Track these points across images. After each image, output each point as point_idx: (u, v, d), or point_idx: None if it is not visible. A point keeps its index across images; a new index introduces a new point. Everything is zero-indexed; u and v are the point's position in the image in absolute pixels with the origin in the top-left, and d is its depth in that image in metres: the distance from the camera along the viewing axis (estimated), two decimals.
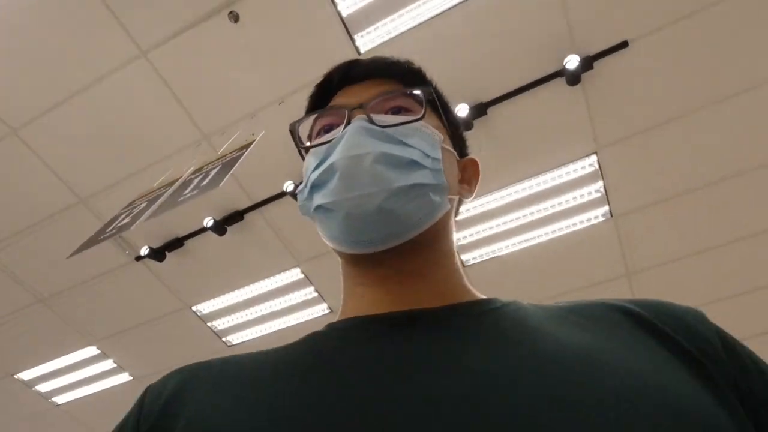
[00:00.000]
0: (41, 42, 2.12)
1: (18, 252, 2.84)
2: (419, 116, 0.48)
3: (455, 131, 0.54)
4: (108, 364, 3.42)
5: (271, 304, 2.96)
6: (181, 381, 0.42)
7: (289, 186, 2.38)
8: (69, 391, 3.60)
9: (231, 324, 3.08)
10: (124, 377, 3.50)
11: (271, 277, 2.83)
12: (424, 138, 0.47)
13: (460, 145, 0.55)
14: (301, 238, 2.67)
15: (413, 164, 0.45)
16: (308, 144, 0.50)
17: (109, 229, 1.70)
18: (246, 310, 3.00)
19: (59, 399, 3.67)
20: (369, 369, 0.37)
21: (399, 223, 0.43)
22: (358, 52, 2.10)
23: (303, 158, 0.51)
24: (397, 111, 0.49)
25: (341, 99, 0.52)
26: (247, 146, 1.75)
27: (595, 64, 1.98)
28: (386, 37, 2.07)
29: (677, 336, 0.37)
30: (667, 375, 0.34)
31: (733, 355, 0.37)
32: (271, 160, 2.32)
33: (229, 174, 1.52)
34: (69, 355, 3.35)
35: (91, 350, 3.34)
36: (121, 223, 1.67)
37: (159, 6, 2.00)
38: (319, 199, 0.45)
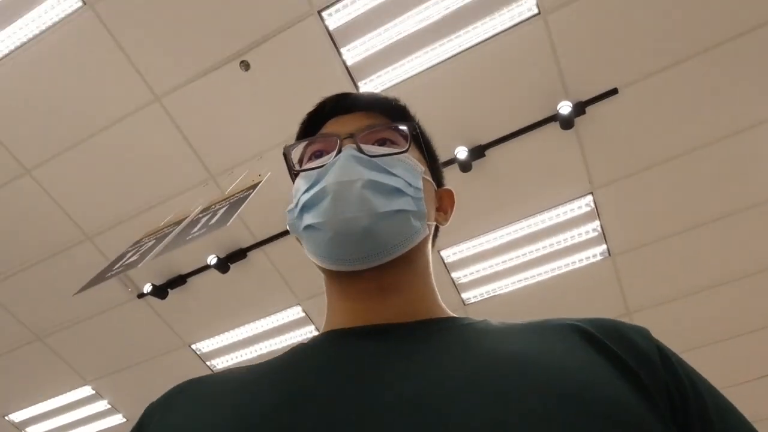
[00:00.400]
0: (60, 86, 2.23)
1: (18, 289, 2.84)
2: (404, 149, 0.52)
3: (434, 164, 0.59)
4: (102, 405, 3.35)
5: (272, 343, 2.94)
6: (171, 395, 0.46)
7: None
8: None
9: (230, 363, 3.04)
10: (117, 419, 3.42)
11: (272, 315, 2.83)
12: (408, 169, 0.51)
13: (438, 176, 0.59)
14: (302, 276, 2.69)
15: (397, 192, 0.49)
16: (300, 168, 0.55)
17: (117, 266, 1.73)
18: (246, 349, 2.98)
19: None
20: (331, 376, 0.40)
21: (381, 244, 0.47)
22: None
23: (293, 180, 0.55)
24: (383, 143, 0.53)
25: (332, 128, 0.56)
26: (253, 186, 1.81)
27: (588, 109, 2.08)
28: (389, 84, 2.18)
29: (617, 348, 0.41)
30: (598, 377, 0.38)
31: (670, 369, 0.41)
32: (275, 198, 2.38)
33: (237, 213, 1.57)
34: (62, 395, 3.28)
35: (86, 390, 3.27)
36: (129, 260, 1.71)
37: (175, 54, 2.12)
38: (309, 219, 0.49)
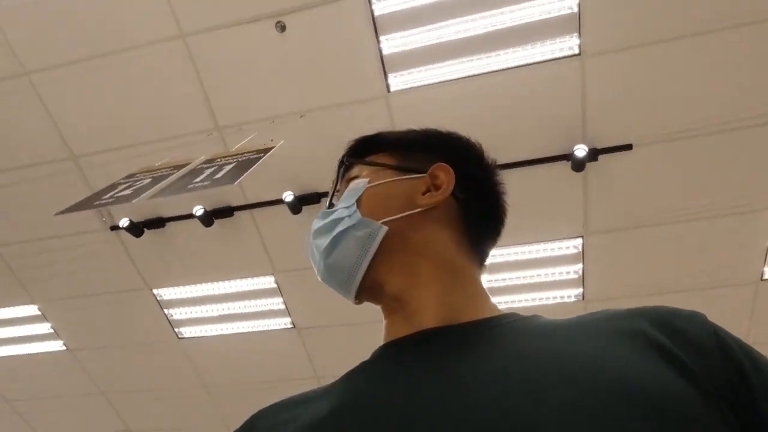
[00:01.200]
0: None
1: None
2: (333, 190, 0.60)
3: (412, 154, 0.57)
4: (44, 327, 3.24)
5: (235, 306, 2.91)
6: (252, 424, 0.49)
7: (288, 196, 2.40)
8: None
9: (189, 316, 2.99)
10: (57, 345, 3.31)
11: (244, 279, 2.79)
12: (345, 197, 0.56)
13: (423, 161, 0.56)
14: (283, 248, 2.67)
15: (335, 223, 0.54)
16: None
17: (107, 196, 1.67)
18: (208, 306, 2.93)
19: None
20: (374, 386, 0.44)
21: (344, 270, 0.52)
22: (388, 90, 2.20)
23: None
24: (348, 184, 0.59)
25: None
26: (264, 150, 1.78)
27: (600, 157, 2.14)
28: (418, 83, 2.18)
29: (667, 339, 0.41)
30: (646, 369, 0.38)
31: (727, 353, 0.40)
32: (277, 167, 2.35)
33: (245, 175, 1.54)
34: (4, 308, 3.16)
35: (31, 309, 3.16)
36: (121, 193, 1.65)
37: None
38: None
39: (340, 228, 0.53)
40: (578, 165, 2.11)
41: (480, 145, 0.61)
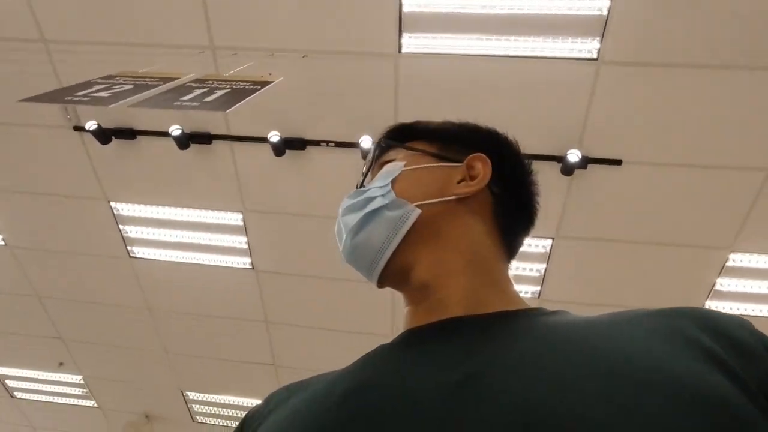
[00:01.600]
0: None
1: None
2: (366, 171, 0.60)
3: (448, 143, 0.57)
4: None
5: (196, 236, 2.82)
6: (270, 400, 0.50)
7: (273, 136, 2.30)
8: None
9: (145, 236, 2.88)
10: None
11: (210, 211, 2.70)
12: (380, 178, 0.56)
13: (459, 152, 0.56)
14: (257, 187, 2.58)
15: (367, 201, 0.54)
16: None
17: (81, 93, 1.53)
18: (168, 230, 2.83)
19: None
20: (390, 370, 0.43)
21: (370, 250, 0.52)
22: (399, 50, 2.11)
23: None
24: (381, 167, 0.60)
25: None
26: (262, 83, 1.67)
27: (590, 166, 2.17)
28: (430, 50, 2.09)
29: (708, 339, 0.39)
30: (678, 364, 0.36)
31: None
32: (267, 103, 2.23)
33: (240, 105, 1.45)
34: None
35: None
36: (98, 94, 1.52)
37: None
38: None
39: (372, 206, 0.53)
40: (568, 170, 2.13)
41: (517, 142, 0.61)
